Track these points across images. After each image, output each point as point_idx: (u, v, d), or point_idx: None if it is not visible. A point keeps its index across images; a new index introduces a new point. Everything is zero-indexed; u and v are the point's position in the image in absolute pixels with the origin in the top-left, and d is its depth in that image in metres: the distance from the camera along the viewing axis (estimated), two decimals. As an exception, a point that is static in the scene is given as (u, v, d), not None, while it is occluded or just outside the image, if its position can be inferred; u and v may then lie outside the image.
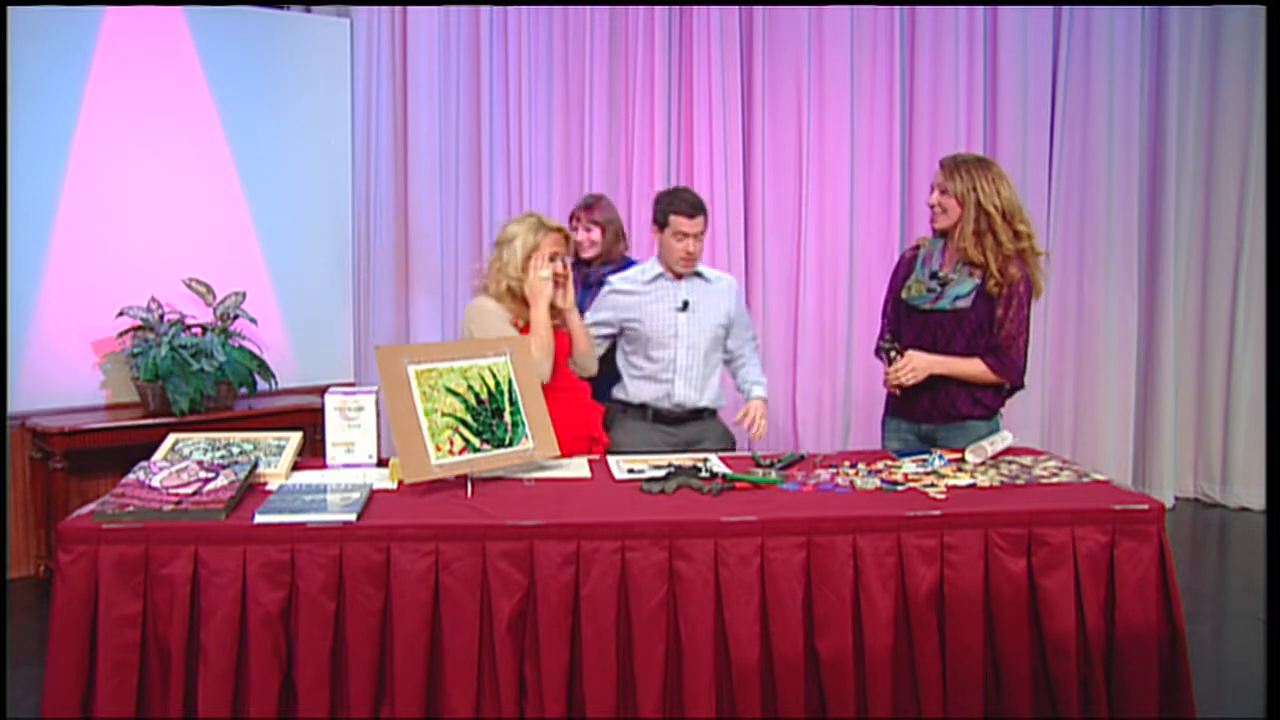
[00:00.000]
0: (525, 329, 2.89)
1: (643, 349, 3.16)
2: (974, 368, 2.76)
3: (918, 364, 2.73)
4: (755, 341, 3.38)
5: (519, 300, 2.92)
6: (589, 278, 3.47)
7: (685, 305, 3.14)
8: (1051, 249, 5.21)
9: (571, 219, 3.54)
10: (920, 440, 2.85)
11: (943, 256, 2.82)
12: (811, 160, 5.09)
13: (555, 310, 2.93)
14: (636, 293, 3.17)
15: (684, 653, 2.11)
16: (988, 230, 2.70)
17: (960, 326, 2.77)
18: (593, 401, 3.11)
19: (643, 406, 3.18)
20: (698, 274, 3.19)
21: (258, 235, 4.55)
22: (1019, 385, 2.84)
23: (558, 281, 2.91)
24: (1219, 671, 3.26)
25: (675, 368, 3.14)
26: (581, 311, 3.11)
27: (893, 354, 2.76)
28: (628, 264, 3.49)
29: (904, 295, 2.84)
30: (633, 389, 3.19)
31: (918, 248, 2.92)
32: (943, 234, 2.82)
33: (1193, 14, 5.11)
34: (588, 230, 3.51)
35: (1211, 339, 5.29)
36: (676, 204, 3.09)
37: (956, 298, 2.75)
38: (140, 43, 4.24)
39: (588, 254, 3.50)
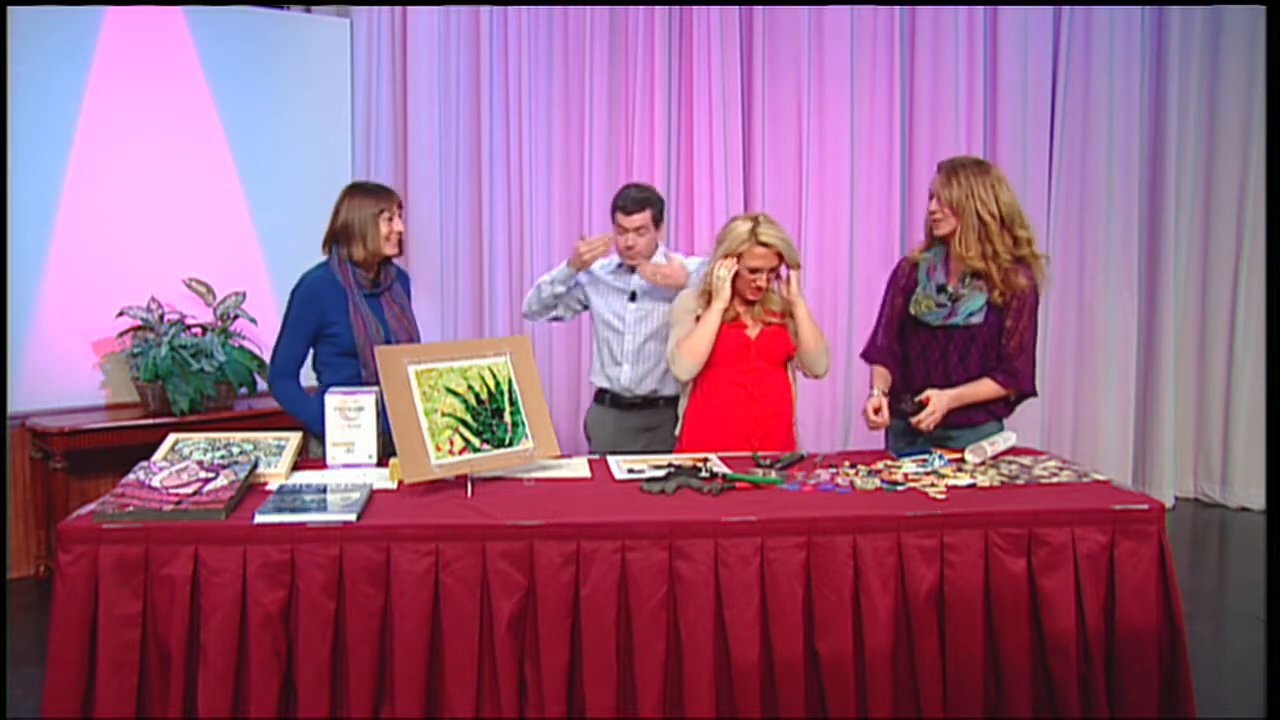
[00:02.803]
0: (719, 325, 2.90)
1: (600, 336, 3.37)
2: (986, 389, 2.75)
3: (939, 406, 2.70)
4: None
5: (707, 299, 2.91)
6: (381, 282, 3.02)
7: (633, 296, 3.30)
8: (1051, 249, 5.21)
9: (382, 211, 2.95)
10: (929, 441, 2.84)
11: (946, 268, 2.78)
12: (811, 160, 5.10)
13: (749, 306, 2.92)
14: (600, 281, 3.36)
15: (684, 653, 2.11)
16: (986, 239, 2.67)
17: (974, 342, 2.75)
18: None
19: (603, 391, 3.38)
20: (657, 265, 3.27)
21: (258, 235, 4.55)
22: (1032, 393, 2.82)
23: (769, 280, 2.86)
24: (1219, 671, 3.26)
25: (623, 354, 3.29)
26: (376, 321, 2.95)
27: (915, 410, 2.71)
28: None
29: (913, 311, 2.80)
30: (595, 375, 3.41)
31: (916, 262, 2.85)
32: (941, 241, 2.78)
33: (1193, 14, 5.12)
34: (402, 222, 3.03)
35: (1211, 339, 5.29)
36: (618, 200, 3.27)
37: (970, 314, 2.72)
38: (140, 43, 4.24)
39: (395, 250, 3.03)
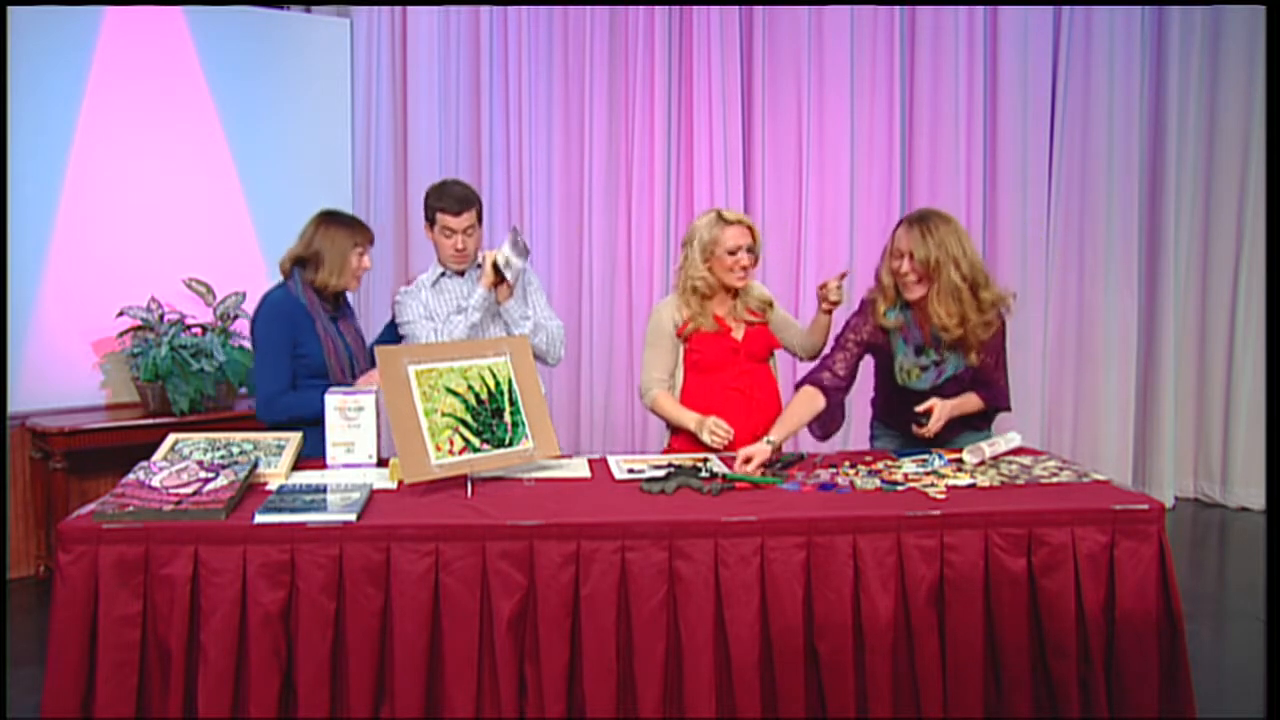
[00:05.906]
0: (694, 334, 2.90)
1: None
2: (973, 403, 2.80)
3: (942, 414, 2.71)
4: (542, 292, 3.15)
5: (705, 298, 2.91)
6: (341, 306, 3.04)
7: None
8: (1052, 249, 5.22)
9: (357, 245, 2.95)
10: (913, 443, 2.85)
11: (919, 330, 2.76)
12: (811, 160, 5.10)
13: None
14: (426, 299, 3.01)
15: (684, 653, 2.11)
16: (958, 299, 2.63)
17: (961, 389, 2.79)
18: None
19: None
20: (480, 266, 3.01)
21: (257, 235, 4.55)
22: (1008, 408, 2.89)
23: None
24: (1219, 671, 3.26)
25: None
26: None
27: (925, 421, 2.71)
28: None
29: (900, 382, 2.78)
30: None
31: (887, 329, 2.79)
32: (905, 303, 2.74)
33: (1193, 14, 5.12)
34: (370, 260, 3.00)
35: (1211, 339, 5.29)
36: (443, 200, 2.94)
37: (956, 369, 2.75)
38: (140, 43, 4.24)
39: (357, 286, 3.03)
